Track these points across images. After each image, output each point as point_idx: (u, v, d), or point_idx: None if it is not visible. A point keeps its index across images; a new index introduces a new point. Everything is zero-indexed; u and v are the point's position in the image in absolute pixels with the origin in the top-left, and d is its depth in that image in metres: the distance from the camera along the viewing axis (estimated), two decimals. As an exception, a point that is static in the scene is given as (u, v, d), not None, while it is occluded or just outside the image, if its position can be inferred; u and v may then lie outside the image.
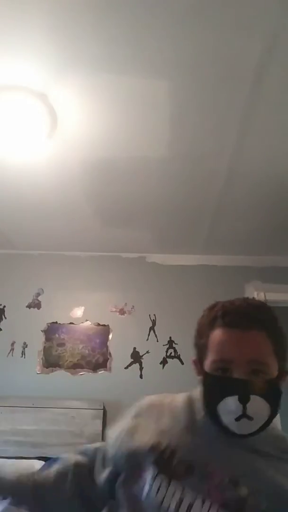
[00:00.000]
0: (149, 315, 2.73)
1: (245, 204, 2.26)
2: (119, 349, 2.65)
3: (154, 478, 0.72)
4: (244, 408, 0.71)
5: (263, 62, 1.36)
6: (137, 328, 2.71)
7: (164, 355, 2.61)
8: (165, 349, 2.62)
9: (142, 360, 2.61)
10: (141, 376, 2.57)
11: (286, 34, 1.26)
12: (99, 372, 2.58)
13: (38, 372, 2.58)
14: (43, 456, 2.07)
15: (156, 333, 2.68)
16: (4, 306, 2.80)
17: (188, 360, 2.56)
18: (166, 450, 0.75)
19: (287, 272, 2.84)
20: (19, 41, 1.31)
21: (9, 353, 2.64)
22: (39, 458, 2.04)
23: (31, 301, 2.81)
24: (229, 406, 0.71)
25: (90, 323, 2.74)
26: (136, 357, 2.63)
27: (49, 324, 2.73)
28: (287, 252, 2.83)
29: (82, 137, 1.75)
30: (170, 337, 2.65)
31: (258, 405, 0.71)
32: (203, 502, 0.69)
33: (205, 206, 2.30)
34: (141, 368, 2.58)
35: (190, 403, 0.84)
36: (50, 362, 2.60)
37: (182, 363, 2.57)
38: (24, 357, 2.62)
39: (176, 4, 1.18)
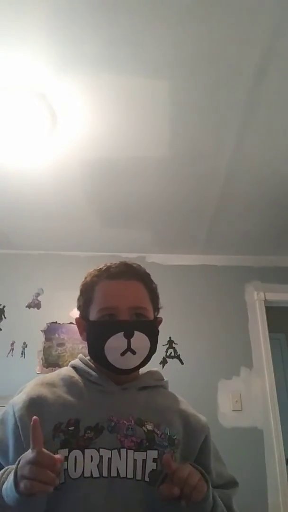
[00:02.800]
0: (149, 315, 2.73)
1: (245, 204, 2.26)
2: (119, 349, 2.64)
3: (66, 458, 0.72)
4: (129, 342, 0.80)
5: (263, 62, 1.36)
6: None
7: (164, 355, 2.60)
8: (165, 349, 2.62)
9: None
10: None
11: (286, 34, 1.26)
12: (99, 372, 2.58)
13: (38, 372, 2.58)
14: None
15: (156, 333, 2.68)
16: (4, 306, 2.79)
17: (188, 360, 2.57)
18: (69, 424, 0.76)
19: (287, 272, 2.84)
20: (19, 41, 1.31)
21: (9, 353, 2.64)
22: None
23: (31, 301, 2.81)
24: (115, 342, 0.80)
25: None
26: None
27: (49, 324, 2.73)
28: (287, 252, 2.83)
29: (82, 137, 1.75)
30: (170, 337, 2.65)
31: (140, 340, 0.82)
32: (119, 452, 0.75)
33: (205, 206, 2.30)
34: (141, 368, 2.58)
35: (72, 371, 0.90)
36: (50, 362, 2.60)
37: (182, 363, 2.57)
38: (24, 357, 2.62)
39: (176, 5, 1.18)
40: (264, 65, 1.37)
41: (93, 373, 0.86)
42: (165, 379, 0.96)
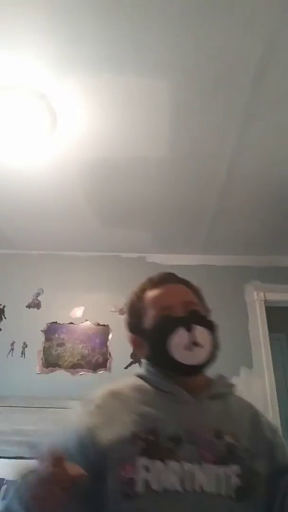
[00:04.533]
0: (149, 315, 2.73)
1: (245, 204, 2.26)
2: (119, 349, 2.64)
3: (148, 468, 0.67)
4: (193, 336, 0.79)
5: (263, 62, 1.36)
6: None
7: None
8: (165, 349, 2.62)
9: (142, 360, 2.61)
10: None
11: (286, 34, 1.26)
12: (99, 372, 2.58)
13: (38, 372, 2.58)
14: None
15: (156, 333, 2.68)
16: (4, 306, 2.79)
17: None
18: (148, 435, 0.72)
19: (287, 272, 2.84)
20: (19, 40, 1.31)
21: (9, 353, 2.64)
22: (39, 458, 2.04)
23: (31, 301, 2.81)
24: (178, 338, 0.79)
25: (90, 323, 2.74)
26: (136, 357, 2.62)
27: (49, 324, 2.73)
28: (287, 252, 2.83)
29: (82, 137, 1.75)
30: (170, 337, 2.65)
31: (202, 333, 0.81)
32: (200, 465, 0.70)
33: (205, 206, 2.30)
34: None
35: (140, 380, 0.86)
36: (50, 362, 2.60)
37: (182, 363, 2.57)
38: (24, 357, 2.62)
39: (177, 4, 1.18)
40: (264, 65, 1.37)
41: (163, 382, 0.82)
42: (233, 383, 0.92)
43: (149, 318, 0.86)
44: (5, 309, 2.79)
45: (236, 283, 2.80)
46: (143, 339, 0.88)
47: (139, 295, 0.92)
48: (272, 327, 2.73)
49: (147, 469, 0.67)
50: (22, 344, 2.66)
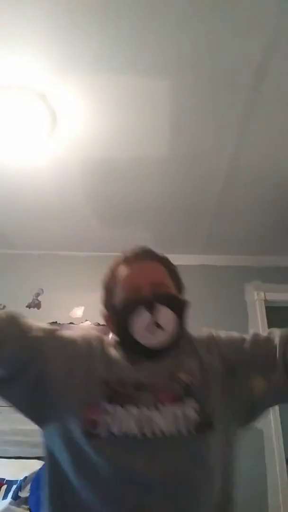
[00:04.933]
0: (149, 315, 2.73)
1: (245, 204, 2.26)
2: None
3: (109, 412, 0.70)
4: (153, 317, 0.78)
5: (263, 62, 1.36)
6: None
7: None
8: (165, 349, 2.62)
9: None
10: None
11: (286, 34, 1.26)
12: (99, 372, 2.58)
13: (38, 372, 2.58)
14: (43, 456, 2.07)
15: (156, 333, 2.68)
16: (4, 306, 2.79)
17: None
18: (117, 381, 0.75)
19: (287, 272, 2.83)
20: (19, 41, 1.31)
21: (9, 353, 2.63)
22: (39, 458, 2.04)
23: (31, 301, 2.81)
24: (138, 317, 0.78)
25: (90, 323, 2.73)
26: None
27: (49, 324, 2.73)
28: (287, 252, 2.83)
29: (82, 137, 1.75)
30: (170, 337, 2.65)
31: (165, 314, 0.79)
32: (158, 408, 0.71)
33: (205, 206, 2.30)
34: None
35: (108, 341, 0.88)
36: (50, 362, 2.60)
37: (182, 363, 2.57)
38: (24, 357, 2.62)
39: (177, 5, 1.18)
40: (264, 65, 1.37)
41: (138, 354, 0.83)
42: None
43: (118, 296, 0.86)
44: (5, 309, 2.78)
45: (236, 283, 2.80)
46: (113, 316, 0.88)
47: (112, 271, 0.91)
48: (272, 327, 2.73)
49: (107, 413, 0.70)
50: (22, 344, 2.66)
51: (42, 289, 2.84)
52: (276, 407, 2.41)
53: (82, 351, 0.81)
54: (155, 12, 1.21)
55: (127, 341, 0.82)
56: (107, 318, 0.91)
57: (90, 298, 2.81)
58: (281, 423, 2.40)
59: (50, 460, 0.75)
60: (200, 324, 2.97)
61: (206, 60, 1.36)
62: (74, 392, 0.74)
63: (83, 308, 2.79)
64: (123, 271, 0.88)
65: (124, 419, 0.69)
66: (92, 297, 2.79)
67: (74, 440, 0.69)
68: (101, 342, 0.86)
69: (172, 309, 0.80)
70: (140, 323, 0.78)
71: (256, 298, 2.73)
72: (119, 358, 0.82)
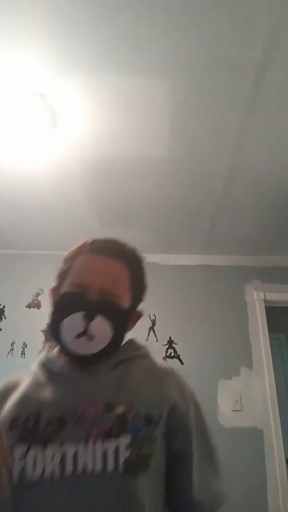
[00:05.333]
0: (149, 315, 2.73)
1: (245, 204, 2.26)
2: (119, 349, 2.64)
3: (25, 455, 0.63)
4: (87, 326, 0.70)
5: (263, 62, 1.36)
6: (137, 328, 2.69)
7: (163, 355, 2.60)
8: (165, 349, 2.62)
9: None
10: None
11: (286, 34, 1.26)
12: (99, 372, 2.58)
13: (38, 372, 2.58)
14: None
15: (156, 333, 2.68)
16: (4, 306, 2.79)
17: (188, 360, 2.57)
18: (28, 418, 0.67)
19: (287, 272, 2.83)
20: (19, 41, 1.31)
21: (9, 353, 2.64)
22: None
23: (31, 301, 2.81)
24: (73, 321, 0.71)
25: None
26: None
27: (49, 324, 2.72)
28: (287, 252, 2.83)
29: (82, 137, 1.75)
30: (170, 337, 2.65)
31: (101, 326, 0.71)
32: (86, 444, 0.64)
33: (205, 206, 2.30)
34: (141, 368, 2.58)
35: (36, 365, 0.81)
36: (50, 362, 2.60)
37: (182, 363, 2.57)
38: (24, 357, 2.62)
39: (176, 4, 1.18)
40: (264, 65, 1.37)
41: (56, 362, 0.77)
42: (143, 345, 0.84)
43: (66, 285, 0.78)
44: (5, 309, 2.79)
45: (236, 283, 2.80)
46: (53, 302, 0.80)
47: (75, 252, 0.82)
48: (272, 327, 2.74)
49: (24, 457, 0.63)
50: (22, 344, 2.66)
51: (42, 289, 2.84)
52: (276, 407, 2.42)
53: None
54: (155, 12, 1.21)
55: (54, 336, 0.75)
56: (53, 296, 0.82)
57: (90, 298, 2.82)
58: (281, 423, 2.40)
59: None
60: (200, 324, 2.97)
61: (206, 60, 1.36)
62: None
63: (83, 308, 2.79)
64: (82, 258, 0.80)
65: (42, 462, 0.63)
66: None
67: None
68: (14, 383, 0.79)
69: (113, 322, 0.73)
70: (72, 327, 0.71)
71: (256, 298, 2.73)
72: (35, 389, 0.73)
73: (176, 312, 2.69)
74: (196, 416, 0.76)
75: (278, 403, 2.44)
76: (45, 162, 1.91)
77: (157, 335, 2.67)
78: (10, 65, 1.40)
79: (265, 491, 2.20)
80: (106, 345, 0.73)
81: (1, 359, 2.61)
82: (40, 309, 2.79)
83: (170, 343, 2.65)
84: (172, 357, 2.61)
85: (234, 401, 2.42)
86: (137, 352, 0.81)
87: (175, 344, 2.64)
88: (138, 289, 0.81)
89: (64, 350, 0.75)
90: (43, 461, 0.63)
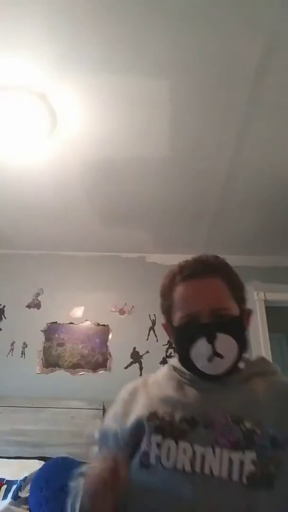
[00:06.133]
0: (149, 315, 2.73)
1: (245, 204, 2.26)
2: (119, 349, 2.65)
3: (160, 445, 0.72)
4: (213, 347, 0.76)
5: (263, 62, 1.36)
6: (137, 328, 2.71)
7: (164, 355, 2.61)
8: (165, 349, 2.62)
9: (142, 360, 2.61)
10: (141, 376, 2.57)
11: (286, 34, 1.26)
12: (99, 372, 2.58)
13: (38, 372, 2.58)
14: (43, 456, 2.07)
15: (156, 333, 2.68)
16: (4, 306, 2.80)
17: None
18: (164, 415, 0.76)
19: (287, 272, 2.84)
20: (20, 41, 1.31)
21: (9, 353, 2.64)
22: (39, 458, 2.04)
23: (31, 301, 2.81)
24: (199, 348, 0.77)
25: (90, 323, 2.74)
26: (136, 357, 2.63)
27: (49, 324, 2.73)
28: (287, 252, 2.83)
29: (82, 137, 1.75)
30: (170, 337, 2.65)
31: (225, 342, 0.77)
32: (213, 450, 0.70)
33: (205, 206, 2.30)
34: (141, 368, 2.58)
35: (171, 369, 0.88)
36: (50, 362, 2.60)
37: (182, 363, 2.57)
38: (24, 357, 2.62)
39: (176, 4, 1.18)
40: (264, 65, 1.37)
41: (188, 372, 0.83)
42: (273, 363, 0.88)
43: (177, 317, 0.83)
44: (5, 309, 2.79)
45: (236, 283, 2.80)
46: (172, 335, 0.87)
47: (170, 285, 0.87)
48: (272, 327, 2.73)
49: (158, 446, 0.72)
50: (22, 344, 2.66)
51: (42, 289, 2.85)
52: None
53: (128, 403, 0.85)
54: (155, 13, 1.21)
55: (188, 367, 0.81)
56: (167, 328, 0.90)
57: (90, 298, 2.82)
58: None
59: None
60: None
61: (207, 60, 1.36)
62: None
63: (83, 308, 2.79)
64: (179, 289, 0.84)
65: (175, 454, 0.71)
66: (92, 297, 2.83)
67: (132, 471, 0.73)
68: (144, 383, 0.89)
69: (233, 335, 0.78)
70: (201, 354, 0.77)
71: (256, 298, 2.73)
72: (172, 390, 0.82)
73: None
74: None
75: (278, 403, 2.43)
76: (45, 162, 1.91)
77: (157, 335, 2.67)
78: (11, 65, 1.40)
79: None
80: (236, 357, 0.79)
81: (1, 359, 2.61)
82: (40, 309, 2.79)
83: (170, 343, 2.64)
84: (172, 357, 2.61)
85: (234, 401, 2.42)
86: (268, 368, 0.85)
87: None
88: (239, 292, 0.86)
89: (199, 375, 0.79)
90: (176, 453, 0.71)
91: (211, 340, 0.76)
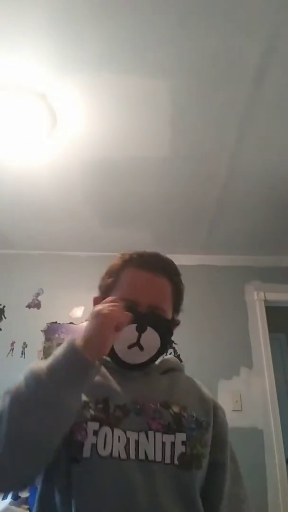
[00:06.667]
0: (149, 315, 2.73)
1: (245, 204, 2.26)
2: (119, 349, 2.64)
3: (97, 432, 0.70)
4: (139, 337, 0.77)
5: (263, 62, 1.36)
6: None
7: (163, 355, 2.60)
8: (165, 349, 2.62)
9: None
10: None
11: (286, 34, 1.26)
12: (99, 372, 2.58)
13: (38, 372, 2.58)
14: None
15: (156, 333, 2.68)
16: (4, 306, 2.79)
17: (188, 360, 2.56)
18: (97, 403, 0.74)
19: (287, 272, 2.83)
20: (20, 41, 1.31)
21: (9, 353, 2.64)
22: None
23: (31, 301, 2.81)
24: (125, 333, 0.76)
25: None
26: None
27: (49, 324, 2.73)
28: (287, 252, 2.83)
29: (82, 137, 1.75)
30: (170, 337, 2.65)
31: (151, 337, 0.79)
32: (147, 434, 0.72)
33: (205, 206, 2.30)
34: (141, 368, 2.58)
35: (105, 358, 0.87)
36: (50, 362, 2.60)
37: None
38: (24, 357, 2.62)
39: (177, 4, 1.18)
40: (264, 65, 1.37)
41: (109, 359, 0.84)
42: (181, 363, 0.96)
43: (115, 297, 0.82)
44: (5, 309, 2.79)
45: (236, 283, 2.80)
46: None
47: (122, 265, 0.87)
48: (272, 327, 2.73)
49: (95, 433, 0.70)
50: (22, 344, 2.66)
51: (42, 289, 2.85)
52: (276, 407, 2.42)
53: None
54: (155, 13, 1.21)
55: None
56: (97, 302, 0.87)
57: (90, 298, 2.80)
58: (281, 423, 2.40)
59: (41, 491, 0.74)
60: (200, 324, 2.97)
61: (207, 60, 1.36)
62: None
63: (83, 308, 2.79)
64: (129, 273, 0.85)
65: (111, 442, 0.70)
66: (92, 297, 2.82)
67: (60, 462, 0.69)
68: None
69: (160, 334, 0.80)
70: (125, 339, 0.77)
71: (256, 298, 2.73)
72: (106, 376, 0.81)
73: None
74: (228, 433, 0.86)
75: (278, 403, 2.44)
76: (45, 162, 1.91)
77: (157, 335, 2.67)
78: (11, 65, 1.40)
79: (265, 491, 2.20)
80: (153, 355, 0.81)
81: (1, 359, 2.61)
82: (40, 309, 2.79)
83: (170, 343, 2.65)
84: (172, 357, 2.61)
85: (234, 401, 2.42)
86: (178, 366, 0.93)
87: (175, 344, 2.64)
88: (178, 301, 0.89)
89: (114, 359, 0.81)
90: (112, 441, 0.70)
91: (140, 331, 0.78)
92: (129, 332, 0.77)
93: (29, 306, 2.79)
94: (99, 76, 1.44)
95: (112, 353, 0.79)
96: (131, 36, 1.29)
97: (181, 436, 0.73)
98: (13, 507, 1.66)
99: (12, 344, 2.66)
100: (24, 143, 1.74)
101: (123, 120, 1.65)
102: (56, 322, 2.74)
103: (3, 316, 2.76)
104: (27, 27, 1.26)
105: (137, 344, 0.78)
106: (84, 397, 0.74)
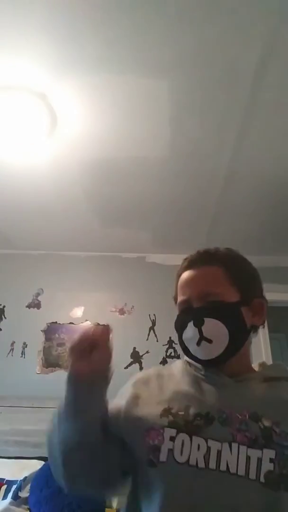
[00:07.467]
0: (149, 315, 2.73)
1: (245, 204, 2.26)
2: (118, 349, 2.62)
3: (173, 439, 0.70)
4: (200, 331, 0.77)
5: (262, 62, 1.36)
6: (137, 328, 2.71)
7: (164, 355, 2.61)
8: (165, 349, 2.62)
9: (142, 360, 2.61)
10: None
11: (286, 34, 1.26)
12: (99, 372, 2.58)
13: (38, 372, 2.58)
14: (43, 456, 2.07)
15: (156, 333, 2.68)
16: (4, 306, 2.80)
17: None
18: (179, 410, 0.74)
19: (287, 272, 2.83)
20: (19, 41, 1.31)
21: (9, 353, 2.64)
22: (39, 458, 2.04)
23: (31, 301, 2.81)
24: (188, 332, 0.78)
25: (90, 323, 2.74)
26: (136, 357, 2.62)
27: (49, 324, 2.73)
28: (287, 252, 2.83)
29: (82, 137, 1.75)
30: (170, 337, 2.65)
31: (213, 327, 0.77)
32: (230, 446, 0.68)
33: (205, 206, 2.30)
34: (141, 368, 2.58)
35: (186, 364, 0.87)
36: (50, 362, 2.60)
37: (182, 363, 2.57)
38: (24, 357, 2.62)
39: (176, 5, 1.18)
40: (264, 65, 1.37)
41: (201, 367, 0.83)
42: None
43: (177, 306, 0.87)
44: (5, 309, 2.79)
45: (236, 283, 2.80)
46: None
47: (176, 278, 0.91)
48: (272, 327, 2.73)
49: (172, 439, 0.70)
50: (22, 344, 2.66)
51: (42, 289, 2.85)
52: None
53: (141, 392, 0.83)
54: (155, 13, 1.21)
55: (184, 351, 0.83)
56: None
57: (90, 298, 2.82)
58: None
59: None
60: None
61: (206, 60, 1.36)
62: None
63: (83, 308, 2.79)
64: (180, 278, 0.88)
65: (189, 449, 0.68)
66: (92, 297, 2.83)
67: (139, 466, 0.72)
68: (157, 374, 0.88)
69: (221, 320, 0.77)
70: (189, 337, 0.79)
71: (256, 298, 2.73)
72: (187, 385, 0.80)
73: (176, 312, 2.69)
74: None
75: (278, 403, 2.43)
76: (45, 162, 1.91)
77: (157, 335, 2.67)
78: (11, 65, 1.40)
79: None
80: (228, 343, 0.77)
81: (1, 359, 2.62)
82: (40, 309, 2.79)
83: (170, 343, 2.65)
84: (172, 357, 2.61)
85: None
86: (285, 374, 0.83)
87: (175, 344, 2.64)
88: (243, 279, 0.84)
89: (194, 360, 0.81)
90: (190, 448, 0.68)
91: (197, 324, 0.78)
92: (191, 330, 0.78)
93: (29, 306, 2.80)
94: (99, 76, 1.44)
95: (190, 355, 0.80)
96: (131, 36, 1.29)
97: (270, 453, 0.66)
98: (13, 507, 1.66)
99: (12, 344, 2.66)
100: (24, 143, 1.74)
101: (123, 120, 1.65)
102: (56, 322, 2.74)
103: (3, 316, 2.76)
104: (27, 27, 1.26)
105: (202, 338, 0.77)
106: (165, 404, 0.75)
